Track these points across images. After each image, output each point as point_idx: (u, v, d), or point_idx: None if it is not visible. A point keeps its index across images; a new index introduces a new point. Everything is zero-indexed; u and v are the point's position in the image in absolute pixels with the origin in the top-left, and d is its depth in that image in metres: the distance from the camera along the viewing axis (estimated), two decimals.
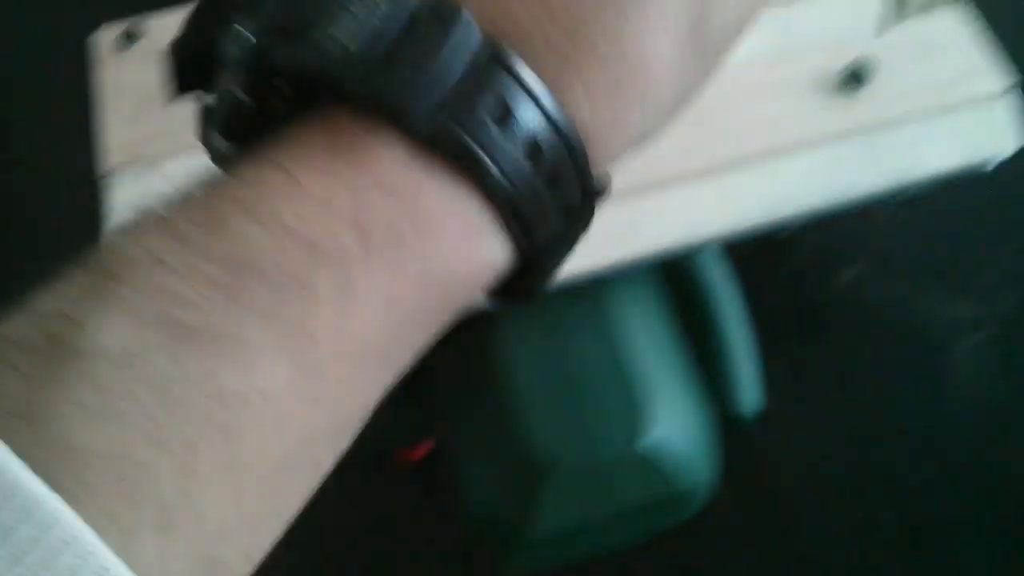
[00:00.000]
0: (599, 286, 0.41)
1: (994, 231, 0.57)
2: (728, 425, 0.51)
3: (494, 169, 0.16)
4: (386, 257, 0.15)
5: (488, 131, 0.15)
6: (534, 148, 0.16)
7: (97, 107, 0.42)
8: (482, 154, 0.15)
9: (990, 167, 0.43)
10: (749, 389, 0.51)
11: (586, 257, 0.38)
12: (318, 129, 0.16)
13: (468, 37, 0.15)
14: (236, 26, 0.16)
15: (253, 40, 0.16)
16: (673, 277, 0.53)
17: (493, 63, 0.15)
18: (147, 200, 0.16)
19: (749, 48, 0.43)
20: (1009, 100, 0.42)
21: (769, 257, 0.58)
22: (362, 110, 0.15)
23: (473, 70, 0.15)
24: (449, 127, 0.15)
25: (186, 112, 0.41)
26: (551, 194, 0.17)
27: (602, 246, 0.38)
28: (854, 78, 0.41)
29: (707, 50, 0.18)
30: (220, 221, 0.15)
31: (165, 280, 0.14)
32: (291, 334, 0.14)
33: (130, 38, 0.43)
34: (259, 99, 0.16)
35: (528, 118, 0.16)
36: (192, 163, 0.41)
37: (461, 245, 0.16)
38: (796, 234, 0.57)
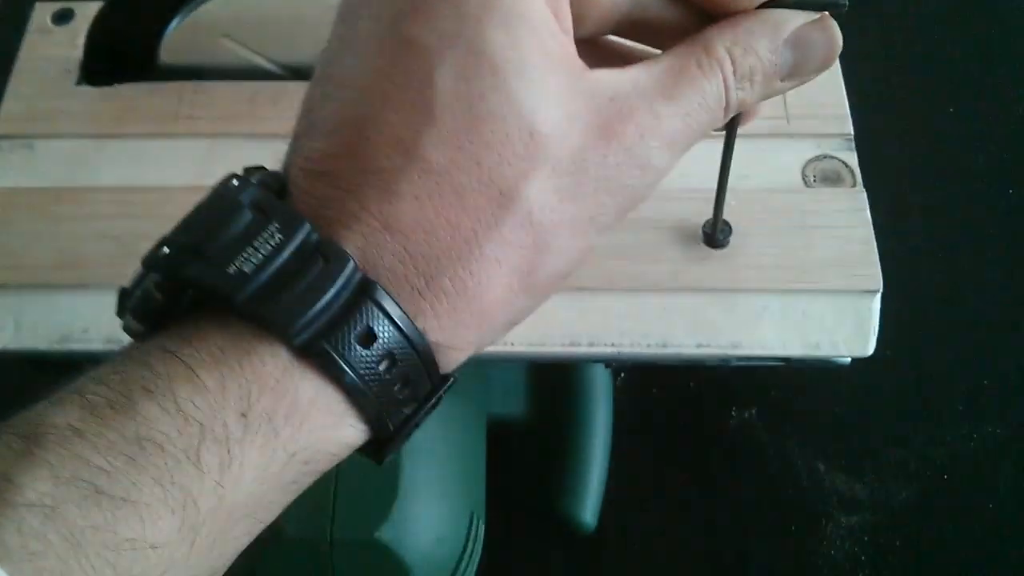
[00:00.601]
0: None
1: (909, 413, 0.54)
2: (567, 533, 0.51)
3: (352, 377, 0.20)
4: (261, 440, 0.19)
5: (351, 349, 0.20)
6: (391, 360, 0.20)
7: (11, 75, 0.45)
8: (344, 366, 0.20)
9: (842, 364, 0.41)
10: (591, 500, 0.51)
11: None
12: (215, 333, 0.20)
13: (349, 278, 0.20)
14: (161, 239, 0.21)
15: (169, 253, 0.20)
16: (550, 371, 0.52)
17: (365, 297, 0.20)
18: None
19: None
20: (872, 303, 0.39)
21: (671, 378, 0.56)
22: (252, 324, 0.20)
23: (348, 302, 0.20)
24: (320, 345, 0.20)
25: (84, 98, 0.43)
26: (403, 392, 0.21)
27: None
28: (711, 235, 0.39)
29: (534, 292, 0.23)
30: (131, 404, 0.18)
31: (82, 449, 0.18)
32: (179, 498, 0.18)
33: (63, 18, 0.46)
34: (168, 295, 0.21)
35: (387, 338, 0.20)
36: (65, 147, 0.43)
37: (324, 430, 0.20)
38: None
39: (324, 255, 0.20)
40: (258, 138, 0.43)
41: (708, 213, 0.39)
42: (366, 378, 0.20)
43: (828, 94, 0.44)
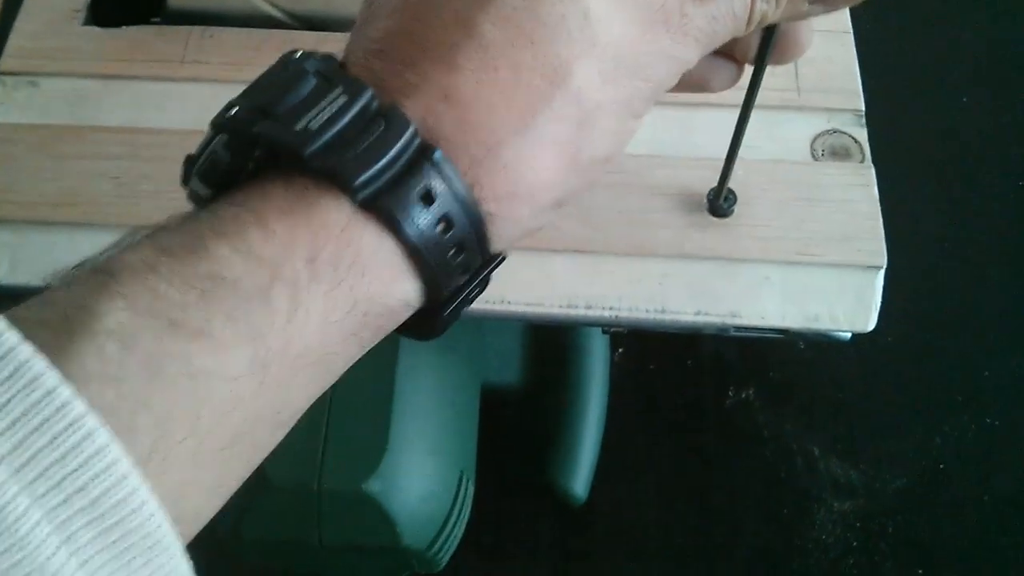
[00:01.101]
0: None
1: (908, 399, 0.54)
2: (558, 503, 0.50)
3: (412, 232, 0.21)
4: (326, 287, 0.20)
5: (412, 206, 0.21)
6: (447, 223, 0.21)
7: (16, 10, 0.44)
8: (404, 221, 0.21)
9: (842, 339, 0.40)
10: (583, 472, 0.50)
11: None
12: (281, 187, 0.21)
13: (410, 140, 0.21)
14: (231, 101, 0.22)
15: (238, 113, 0.21)
16: (547, 341, 0.52)
17: (425, 159, 0.21)
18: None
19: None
20: (875, 278, 0.39)
21: (670, 354, 0.56)
22: (318, 178, 0.20)
23: (408, 162, 0.21)
24: (384, 197, 0.20)
25: (91, 39, 0.43)
26: (457, 259, 0.22)
27: None
28: (716, 203, 0.39)
29: (581, 172, 0.24)
30: (202, 245, 0.19)
31: (157, 284, 0.18)
32: (250, 335, 0.19)
33: None
34: (235, 155, 0.21)
35: (444, 200, 0.21)
36: (69, 86, 0.43)
37: (383, 283, 0.21)
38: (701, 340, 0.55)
39: (386, 118, 0.21)
40: None
41: (713, 181, 0.39)
42: (424, 236, 0.21)
43: (840, 69, 0.43)
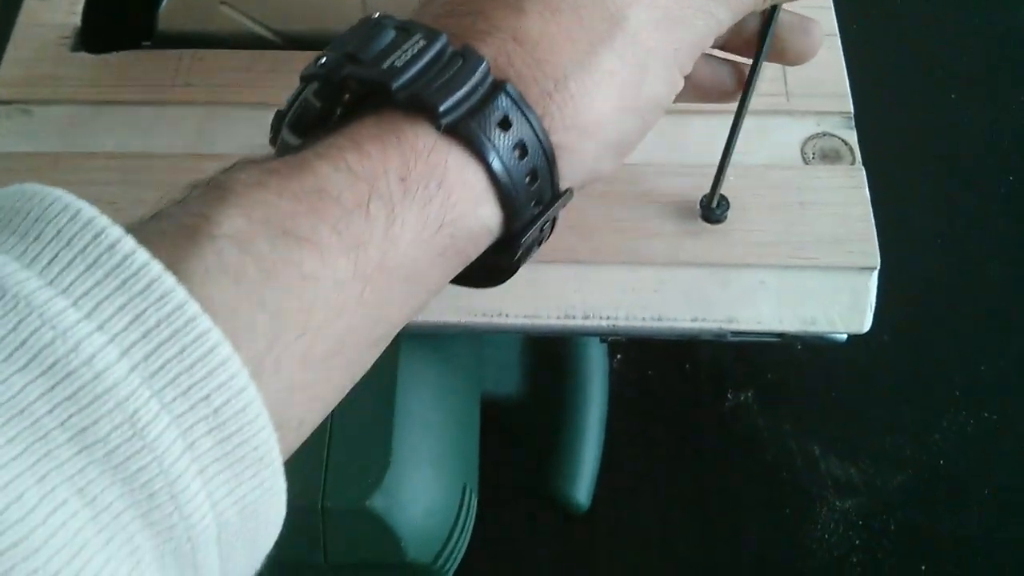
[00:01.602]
0: (409, 339, 0.41)
1: (906, 398, 0.54)
2: (560, 512, 0.51)
3: (494, 155, 0.23)
4: (418, 204, 0.21)
5: (492, 130, 0.22)
6: (523, 149, 0.23)
7: (6, 39, 0.44)
8: (487, 143, 0.22)
9: (838, 340, 0.40)
10: (584, 480, 0.50)
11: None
12: (371, 120, 0.22)
13: (485, 75, 0.23)
14: (317, 55, 0.24)
15: (326, 62, 0.23)
16: (546, 350, 0.52)
17: (500, 90, 0.23)
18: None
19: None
20: (869, 280, 0.39)
21: (668, 359, 0.56)
22: (405, 108, 0.22)
23: (486, 94, 0.23)
24: (466, 122, 0.22)
25: (81, 65, 0.43)
26: (532, 186, 0.24)
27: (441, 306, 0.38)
28: (709, 209, 0.39)
29: (639, 113, 0.26)
30: (305, 165, 0.21)
31: (268, 196, 0.20)
32: (353, 243, 0.20)
33: None
34: (325, 101, 0.23)
35: (520, 128, 0.23)
36: (62, 113, 0.43)
37: (467, 204, 0.23)
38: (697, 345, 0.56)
39: (463, 56, 0.23)
40: (255, 107, 0.43)
41: (705, 188, 0.39)
42: (502, 159, 0.23)
43: (828, 72, 0.43)
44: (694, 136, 0.42)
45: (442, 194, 0.22)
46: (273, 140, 0.25)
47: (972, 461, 0.52)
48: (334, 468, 0.38)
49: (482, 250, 0.24)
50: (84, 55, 0.44)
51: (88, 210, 0.18)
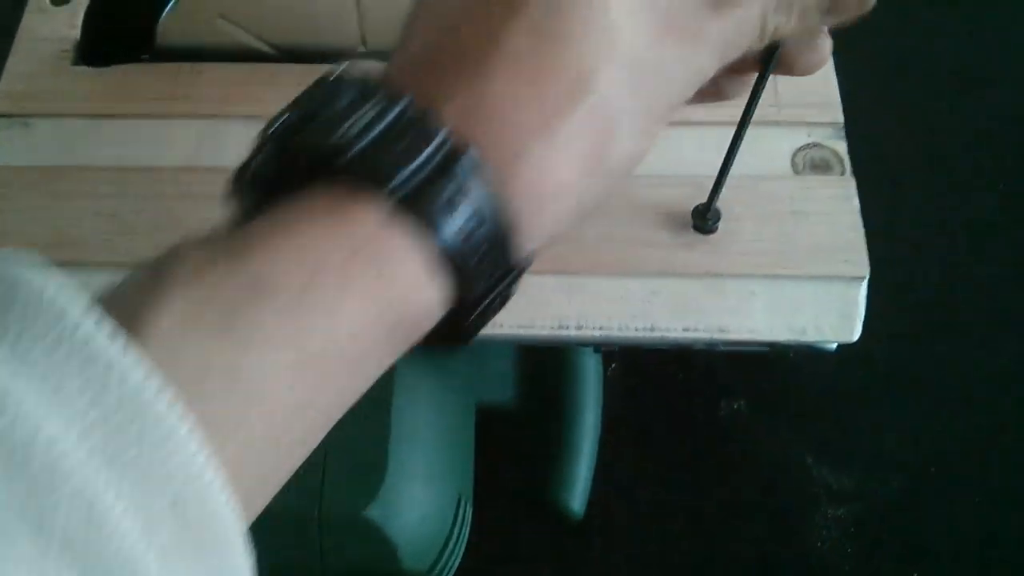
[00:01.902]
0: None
1: (897, 404, 0.54)
2: (555, 520, 0.51)
3: (447, 228, 0.22)
4: (362, 287, 0.21)
5: (446, 201, 0.21)
6: (479, 220, 0.22)
7: (10, 52, 0.45)
8: (440, 216, 0.21)
9: (828, 350, 0.41)
10: (579, 487, 0.51)
11: None
12: (322, 191, 0.22)
13: (443, 142, 0.22)
14: (281, 110, 0.23)
15: (285, 122, 0.23)
16: (541, 359, 0.53)
17: (458, 159, 0.22)
18: None
19: None
20: (859, 289, 0.39)
21: (662, 368, 0.56)
22: (355, 181, 0.21)
23: (441, 163, 0.22)
24: (418, 194, 0.21)
25: (81, 78, 0.44)
26: (483, 262, 0.23)
27: None
28: (701, 220, 0.40)
29: (603, 176, 0.25)
30: (248, 249, 0.21)
31: (215, 280, 0.20)
32: (294, 330, 0.20)
33: None
34: (281, 165, 0.23)
35: (476, 198, 0.22)
36: (62, 126, 0.43)
37: (415, 286, 0.22)
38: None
39: (421, 122, 0.22)
40: (254, 119, 0.42)
41: (697, 199, 0.40)
42: (457, 232, 0.22)
43: (819, 83, 0.44)
44: (686, 147, 0.42)
45: (389, 272, 0.21)
46: (231, 193, 0.24)
47: (965, 467, 0.53)
48: (331, 478, 0.38)
49: (434, 323, 0.24)
50: (84, 69, 0.45)
51: (51, 288, 0.18)
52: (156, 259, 0.21)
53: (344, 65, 0.24)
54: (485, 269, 0.23)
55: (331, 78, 0.23)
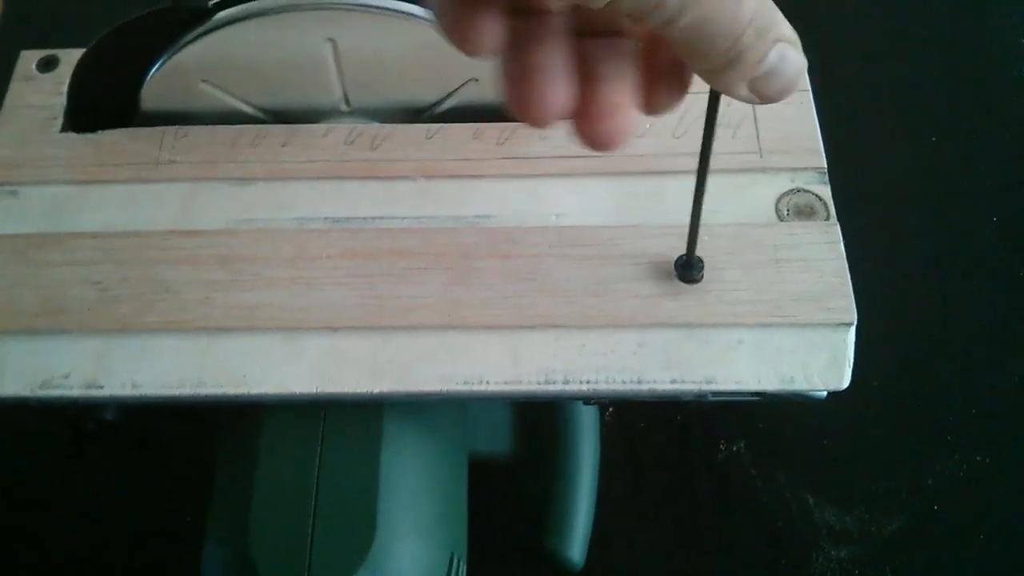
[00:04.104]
0: (392, 408, 0.41)
1: (897, 449, 0.54)
2: (555, 570, 0.50)
3: None
4: None
5: None
6: None
7: None
8: None
9: (818, 397, 0.41)
10: (578, 537, 0.50)
11: (380, 378, 0.38)
12: None
13: None
14: None
15: None
16: (536, 407, 0.52)
17: None
18: None
19: (599, 213, 0.42)
20: (846, 336, 0.39)
21: (659, 412, 0.56)
22: None
23: None
24: None
25: (68, 145, 0.44)
26: None
27: (405, 373, 0.38)
28: (685, 271, 0.40)
29: None
30: None
31: None
32: None
33: (48, 65, 0.47)
34: None
35: None
36: (49, 194, 0.44)
37: None
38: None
39: None
40: (238, 181, 0.43)
41: (682, 249, 0.39)
42: None
43: (801, 128, 0.44)
44: (668, 197, 0.42)
45: None
46: None
47: (967, 505, 0.52)
48: (319, 542, 0.38)
49: None
50: (71, 135, 0.45)
51: None
52: None
53: None
54: None
55: None
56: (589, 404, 0.51)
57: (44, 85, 0.47)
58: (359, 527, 0.38)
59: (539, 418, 0.53)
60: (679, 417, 0.56)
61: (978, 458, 0.53)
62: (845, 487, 0.53)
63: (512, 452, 0.52)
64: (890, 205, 0.61)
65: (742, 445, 0.54)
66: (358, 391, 0.38)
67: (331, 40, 0.42)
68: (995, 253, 0.59)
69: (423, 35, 0.42)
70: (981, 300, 0.58)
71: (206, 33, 0.42)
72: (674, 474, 0.54)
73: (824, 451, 0.54)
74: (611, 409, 0.56)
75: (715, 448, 0.55)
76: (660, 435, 0.55)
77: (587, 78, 0.25)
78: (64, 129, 0.45)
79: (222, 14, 0.41)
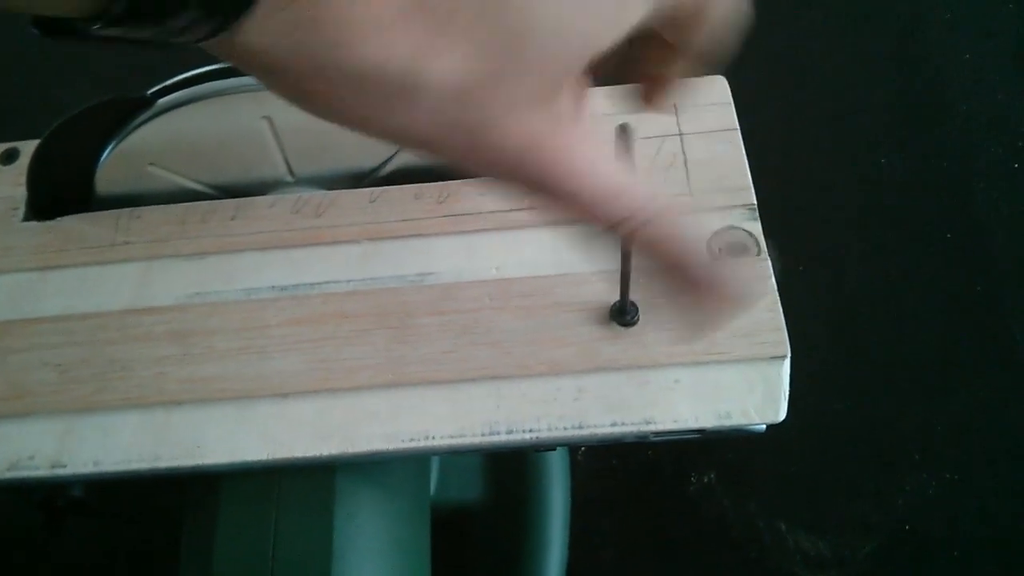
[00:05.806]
0: (344, 469, 0.42)
1: (866, 472, 0.54)
2: None
3: None
4: None
5: None
6: None
7: None
8: None
9: (757, 431, 0.41)
10: None
11: (326, 440, 0.39)
12: None
13: None
14: None
15: None
16: (505, 453, 0.53)
17: None
18: None
19: (537, 264, 0.43)
20: (780, 369, 0.40)
21: (630, 449, 0.57)
22: None
23: None
24: None
25: (28, 233, 0.46)
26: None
27: (352, 433, 0.39)
28: (620, 316, 0.41)
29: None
30: None
31: None
32: None
33: (9, 158, 0.49)
34: None
35: None
36: (11, 282, 0.45)
37: None
38: None
39: None
40: (189, 257, 0.45)
41: (617, 293, 0.40)
42: None
43: (730, 167, 0.45)
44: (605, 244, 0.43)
45: None
46: None
47: (937, 523, 0.52)
48: None
49: None
50: (32, 224, 0.47)
51: None
52: None
53: None
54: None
55: None
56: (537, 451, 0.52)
57: (7, 177, 0.49)
58: None
59: (509, 464, 0.53)
60: (650, 452, 0.56)
61: (946, 476, 0.53)
62: (817, 512, 0.53)
63: (483, 499, 0.53)
64: (839, 229, 0.61)
65: (712, 476, 0.55)
66: (308, 455, 0.39)
67: (267, 118, 0.44)
68: (951, 271, 0.60)
69: None
70: (938, 319, 0.58)
71: (149, 120, 0.44)
72: (647, 509, 0.55)
73: (793, 477, 0.54)
74: (583, 449, 0.56)
75: (687, 480, 0.55)
76: (632, 471, 0.56)
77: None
78: (26, 218, 0.47)
79: (162, 101, 0.43)
